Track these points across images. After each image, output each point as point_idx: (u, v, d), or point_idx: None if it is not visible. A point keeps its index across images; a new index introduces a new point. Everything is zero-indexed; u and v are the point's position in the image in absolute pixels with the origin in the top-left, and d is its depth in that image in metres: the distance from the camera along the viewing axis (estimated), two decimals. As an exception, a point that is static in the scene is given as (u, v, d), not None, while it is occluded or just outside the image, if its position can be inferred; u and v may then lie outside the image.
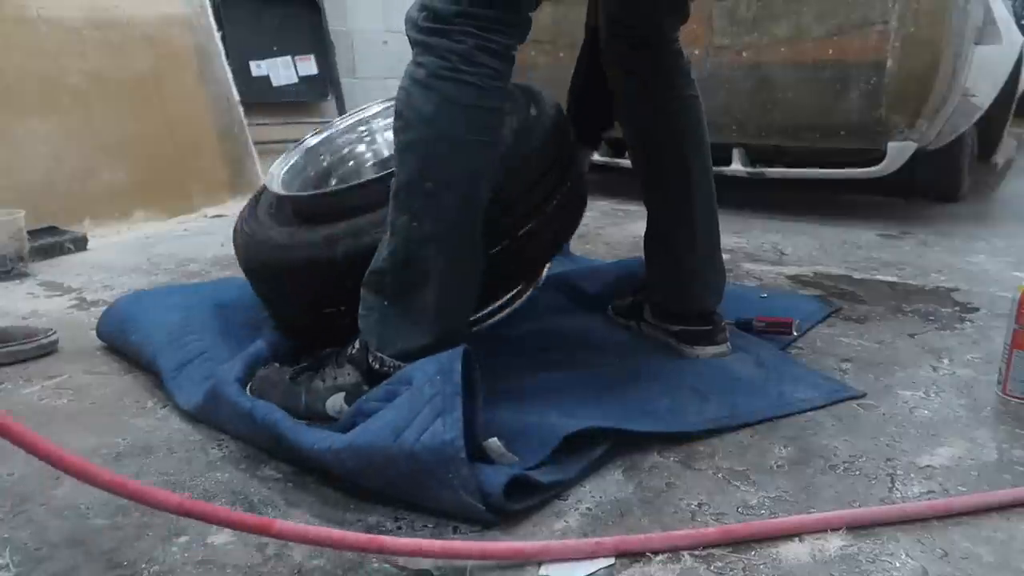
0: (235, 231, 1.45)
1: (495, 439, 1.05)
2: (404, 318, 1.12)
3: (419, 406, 0.96)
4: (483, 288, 1.20)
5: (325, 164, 1.65)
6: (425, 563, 0.92)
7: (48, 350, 1.55)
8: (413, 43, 1.10)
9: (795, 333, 1.61)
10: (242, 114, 3.22)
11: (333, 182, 1.62)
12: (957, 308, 1.82)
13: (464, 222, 1.11)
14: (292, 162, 1.57)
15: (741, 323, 1.60)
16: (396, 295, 1.12)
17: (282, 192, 1.44)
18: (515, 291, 1.45)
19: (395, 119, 1.11)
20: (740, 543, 0.95)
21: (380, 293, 1.13)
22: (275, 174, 1.50)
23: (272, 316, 1.46)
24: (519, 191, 1.28)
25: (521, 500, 1.01)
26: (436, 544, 0.91)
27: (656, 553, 0.93)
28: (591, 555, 0.91)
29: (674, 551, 0.94)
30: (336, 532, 0.91)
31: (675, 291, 1.50)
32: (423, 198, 1.09)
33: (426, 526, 0.99)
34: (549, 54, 2.89)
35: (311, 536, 0.90)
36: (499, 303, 1.40)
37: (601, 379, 1.36)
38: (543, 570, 0.91)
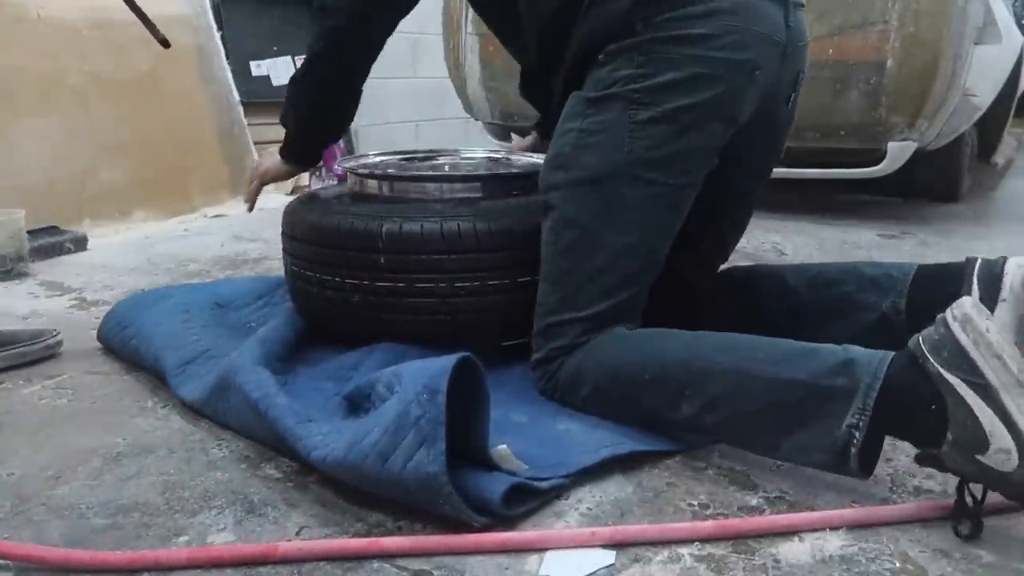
0: (293, 200, 1.61)
1: (504, 446, 1.04)
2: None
3: (405, 429, 0.96)
4: None
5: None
6: (426, 563, 0.92)
7: (54, 351, 1.55)
8: None
9: None
10: (242, 114, 3.22)
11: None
12: (957, 308, 1.82)
13: None
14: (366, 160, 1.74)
15: None
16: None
17: (347, 165, 1.63)
18: None
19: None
20: (737, 537, 0.96)
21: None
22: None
23: (295, 294, 1.53)
24: None
25: (521, 505, 1.00)
26: (432, 540, 0.94)
27: (651, 544, 0.94)
28: (586, 543, 0.95)
29: (668, 542, 0.95)
30: (336, 542, 0.95)
31: None
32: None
33: (427, 526, 0.99)
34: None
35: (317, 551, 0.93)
36: None
37: None
38: (543, 570, 0.91)
